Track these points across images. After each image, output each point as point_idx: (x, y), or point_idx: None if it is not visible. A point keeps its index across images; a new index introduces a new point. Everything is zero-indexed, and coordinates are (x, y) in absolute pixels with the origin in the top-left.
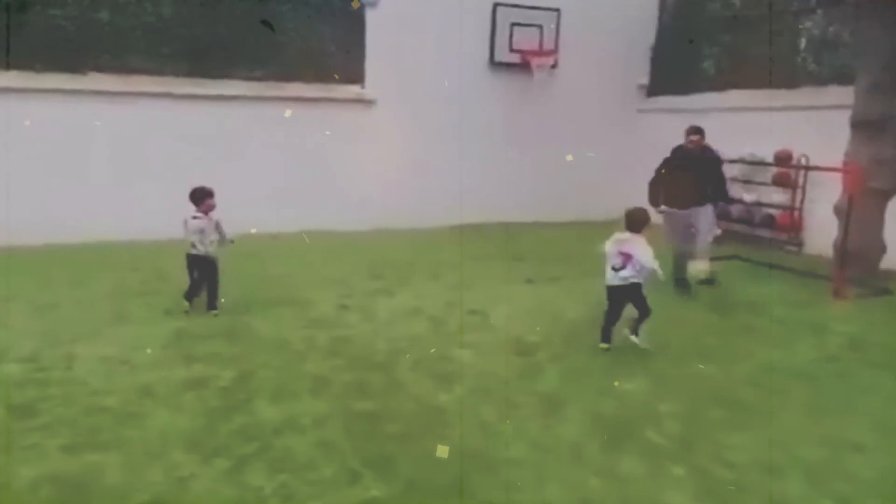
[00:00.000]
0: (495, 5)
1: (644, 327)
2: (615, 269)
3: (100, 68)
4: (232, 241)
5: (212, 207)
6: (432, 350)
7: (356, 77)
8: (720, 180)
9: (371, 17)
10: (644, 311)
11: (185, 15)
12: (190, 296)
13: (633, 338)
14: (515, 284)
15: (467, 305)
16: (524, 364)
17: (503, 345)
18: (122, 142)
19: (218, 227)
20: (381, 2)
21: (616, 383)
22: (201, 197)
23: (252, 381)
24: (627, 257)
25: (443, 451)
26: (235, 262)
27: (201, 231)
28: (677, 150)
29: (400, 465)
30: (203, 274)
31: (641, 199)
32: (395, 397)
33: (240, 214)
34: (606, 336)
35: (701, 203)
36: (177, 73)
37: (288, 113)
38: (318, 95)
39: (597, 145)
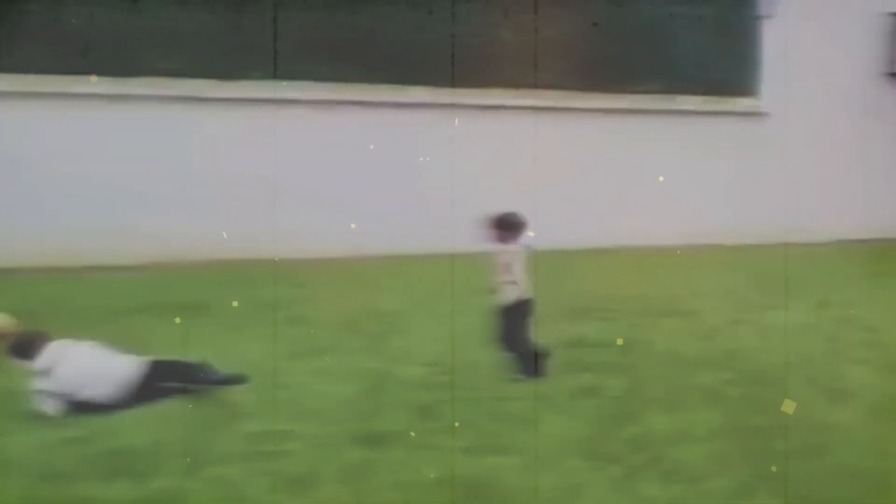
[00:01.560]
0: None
1: None
2: None
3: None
4: None
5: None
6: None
7: (749, 90)
8: None
9: (767, 27)
10: None
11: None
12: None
13: None
14: None
15: (862, 322)
16: None
17: None
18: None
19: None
20: (778, 12)
21: None
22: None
23: (644, 391)
24: None
25: (788, 405)
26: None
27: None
28: None
29: (793, 482)
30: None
31: None
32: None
33: (623, 223)
34: None
35: None
36: (574, 88)
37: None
38: (709, 108)
39: None
